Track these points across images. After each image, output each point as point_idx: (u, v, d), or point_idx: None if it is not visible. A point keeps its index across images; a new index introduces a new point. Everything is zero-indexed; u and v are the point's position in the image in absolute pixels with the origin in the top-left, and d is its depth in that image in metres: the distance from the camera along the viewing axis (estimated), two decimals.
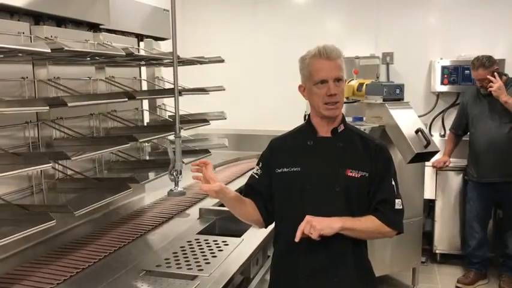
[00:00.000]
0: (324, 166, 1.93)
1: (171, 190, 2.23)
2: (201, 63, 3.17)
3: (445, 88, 5.00)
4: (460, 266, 4.61)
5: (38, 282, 1.94)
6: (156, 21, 3.33)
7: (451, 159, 4.55)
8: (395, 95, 3.84)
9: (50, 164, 1.82)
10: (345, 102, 4.04)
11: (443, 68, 4.97)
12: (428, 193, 4.52)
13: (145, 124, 3.34)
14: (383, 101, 3.78)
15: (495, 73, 3.99)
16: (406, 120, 3.69)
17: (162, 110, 3.46)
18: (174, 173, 2.20)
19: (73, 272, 2.03)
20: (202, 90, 3.09)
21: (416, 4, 5.09)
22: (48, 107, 1.85)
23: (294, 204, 1.94)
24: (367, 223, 1.90)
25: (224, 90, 3.37)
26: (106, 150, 2.23)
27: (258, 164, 2.09)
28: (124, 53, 2.23)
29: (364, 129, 3.72)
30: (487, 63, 4.02)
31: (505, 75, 4.16)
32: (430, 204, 4.72)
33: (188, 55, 3.13)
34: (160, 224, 2.71)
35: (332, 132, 1.97)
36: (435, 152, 3.69)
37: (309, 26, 5.22)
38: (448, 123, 4.84)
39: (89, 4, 2.62)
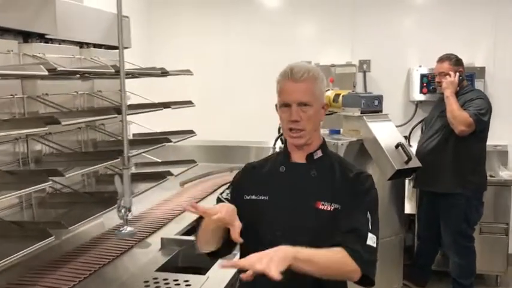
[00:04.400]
0: (293, 196, 1.83)
1: (118, 230, 1.93)
2: (167, 74, 3.05)
3: (424, 97, 5.00)
4: (443, 282, 4.52)
5: None
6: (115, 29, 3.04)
7: None
8: (373, 106, 3.72)
9: (50, 183, 1.91)
10: None
11: (422, 76, 4.98)
12: (409, 208, 4.35)
13: (131, 137, 3.38)
14: (361, 113, 3.61)
15: (457, 73, 3.99)
16: (386, 134, 3.60)
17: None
18: (123, 210, 1.87)
19: None
20: (189, 103, 3.21)
21: (394, 10, 5.23)
22: (47, 127, 1.94)
23: (258, 235, 1.79)
24: (327, 254, 1.61)
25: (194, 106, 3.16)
26: (97, 166, 2.36)
27: (228, 188, 2.00)
28: (113, 70, 2.42)
29: (342, 144, 3.55)
30: (455, 60, 4.13)
31: (467, 80, 4.23)
32: (410, 219, 4.53)
33: (157, 66, 3.17)
34: (117, 257, 2.44)
35: (307, 158, 1.82)
36: (417, 168, 3.48)
37: (284, 34, 5.34)
38: None
39: (34, 13, 2.37)
